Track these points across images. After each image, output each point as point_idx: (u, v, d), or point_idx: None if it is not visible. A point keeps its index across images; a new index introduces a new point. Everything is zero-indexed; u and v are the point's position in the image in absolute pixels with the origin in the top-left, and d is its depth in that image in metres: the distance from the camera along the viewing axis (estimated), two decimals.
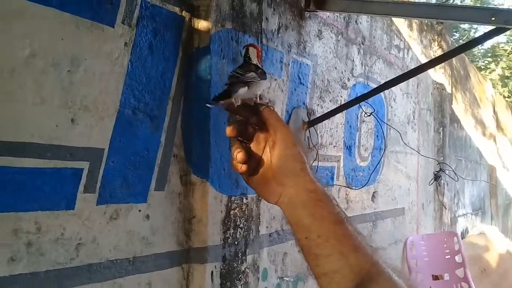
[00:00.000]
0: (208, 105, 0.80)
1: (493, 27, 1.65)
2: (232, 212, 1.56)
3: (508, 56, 20.14)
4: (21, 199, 1.05)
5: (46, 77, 1.09)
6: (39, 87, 1.07)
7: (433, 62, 2.18)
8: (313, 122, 2.13)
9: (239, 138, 0.76)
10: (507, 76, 20.33)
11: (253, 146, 0.77)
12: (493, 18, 1.61)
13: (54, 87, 1.11)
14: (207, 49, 1.48)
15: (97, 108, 1.20)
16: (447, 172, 3.38)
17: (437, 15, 1.81)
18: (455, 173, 3.31)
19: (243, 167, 0.74)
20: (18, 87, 1.03)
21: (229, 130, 0.74)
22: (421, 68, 2.11)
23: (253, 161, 0.76)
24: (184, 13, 1.48)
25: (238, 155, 0.73)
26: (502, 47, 20.65)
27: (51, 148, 1.10)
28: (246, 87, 0.77)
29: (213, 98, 0.76)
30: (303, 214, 0.71)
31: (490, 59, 20.60)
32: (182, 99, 1.48)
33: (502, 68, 20.36)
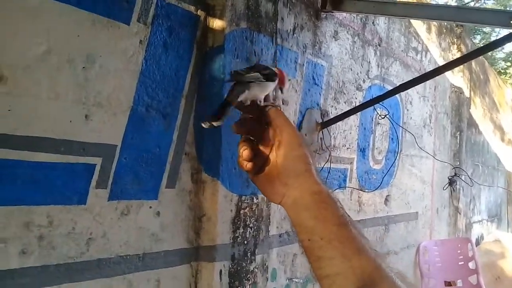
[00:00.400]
0: (203, 124, 0.76)
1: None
2: (242, 212, 1.57)
3: None
4: (34, 193, 1.07)
5: (61, 73, 1.11)
6: (54, 83, 1.09)
7: (451, 65, 2.16)
8: (327, 123, 2.12)
9: (247, 135, 0.76)
10: None
11: (261, 144, 0.76)
12: None
13: (69, 83, 1.13)
14: (221, 48, 1.48)
15: (111, 105, 1.22)
16: (462, 177, 3.33)
17: (455, 17, 1.78)
18: (470, 178, 3.26)
19: (248, 165, 0.74)
20: (33, 82, 1.05)
21: (234, 127, 0.74)
22: (438, 71, 2.08)
23: (259, 160, 0.75)
24: (199, 12, 1.49)
25: (244, 152, 0.73)
26: None
27: (64, 143, 1.12)
28: (246, 91, 0.76)
29: (211, 115, 0.75)
30: (306, 216, 0.70)
31: (509, 63, 20.27)
32: (195, 98, 1.49)
33: None
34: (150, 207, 1.36)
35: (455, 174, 3.18)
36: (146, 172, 1.34)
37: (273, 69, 0.82)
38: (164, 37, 1.37)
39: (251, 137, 0.76)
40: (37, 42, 1.05)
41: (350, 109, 2.16)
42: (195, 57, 1.47)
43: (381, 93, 2.51)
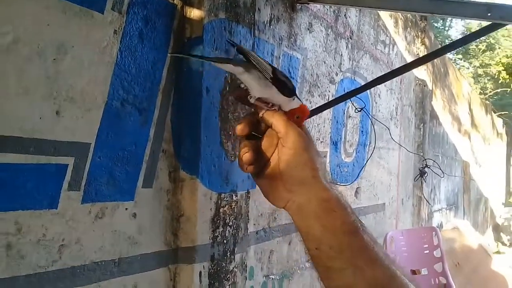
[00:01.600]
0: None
1: (489, 22, 1.63)
2: (221, 210, 1.51)
3: (482, 54, 20.58)
4: (0, 198, 0.97)
5: (30, 65, 1.00)
6: (22, 76, 0.99)
7: (427, 58, 2.17)
8: None
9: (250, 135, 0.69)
10: (479, 74, 20.80)
11: (264, 141, 0.70)
12: (489, 14, 1.58)
13: (39, 77, 1.02)
14: (199, 39, 1.40)
15: (84, 100, 1.12)
16: (433, 168, 3.40)
17: (432, 9, 1.77)
18: (441, 170, 3.33)
19: (249, 168, 0.69)
20: None
21: (240, 128, 0.68)
22: (414, 64, 2.08)
23: (262, 160, 0.70)
24: (176, 1, 1.40)
25: (245, 156, 0.67)
26: (477, 45, 21.10)
27: (33, 143, 1.01)
28: (245, 74, 0.66)
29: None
30: (314, 224, 0.65)
31: (460, 56, 21.02)
32: (173, 92, 1.41)
33: (475, 66, 20.80)
34: (126, 208, 1.27)
35: (426, 165, 3.23)
36: (121, 171, 1.25)
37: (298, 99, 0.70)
38: (140, 27, 1.28)
39: (255, 134, 0.69)
40: (3, 32, 0.94)
41: (328, 102, 2.13)
42: (172, 49, 1.39)
43: (352, 87, 2.50)
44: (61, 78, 1.07)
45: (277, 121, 0.66)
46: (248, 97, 0.66)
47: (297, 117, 0.68)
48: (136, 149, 1.29)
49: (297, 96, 0.70)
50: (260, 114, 0.66)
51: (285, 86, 0.68)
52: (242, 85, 0.68)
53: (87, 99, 1.13)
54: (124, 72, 1.23)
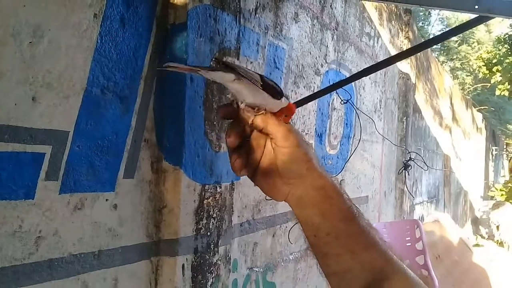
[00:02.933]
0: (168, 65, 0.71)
1: (476, 15, 1.61)
2: (205, 202, 1.47)
3: (458, 47, 20.85)
4: None
5: (4, 48, 0.95)
6: None
7: (412, 51, 2.15)
8: None
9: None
10: (458, 68, 21.08)
11: (253, 144, 0.71)
12: (476, 6, 1.57)
13: (14, 61, 0.97)
14: (183, 26, 1.36)
15: (62, 86, 1.07)
16: (417, 161, 3.41)
17: (419, 0, 1.75)
18: (424, 163, 3.35)
19: (242, 172, 0.70)
20: None
21: (231, 141, 0.68)
22: (395, 59, 2.06)
23: (254, 161, 0.71)
24: None
25: (236, 163, 0.70)
26: (456, 40, 21.35)
27: (8, 130, 0.97)
28: (236, 82, 0.66)
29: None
30: (312, 212, 0.67)
31: (439, 51, 21.27)
32: (155, 79, 1.36)
33: (453, 59, 21.07)
34: (107, 199, 1.23)
35: (410, 158, 3.24)
36: (101, 161, 1.21)
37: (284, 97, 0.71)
38: (121, 11, 1.23)
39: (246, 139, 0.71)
40: None
41: (315, 93, 2.10)
42: (155, 35, 1.35)
43: (337, 78, 2.48)
44: (38, 62, 1.02)
45: (268, 125, 0.67)
46: (239, 102, 0.67)
47: (285, 115, 0.70)
48: (117, 139, 1.25)
49: (285, 96, 0.71)
50: (250, 121, 0.67)
51: (275, 90, 0.69)
52: (229, 95, 0.69)
53: (65, 85, 1.08)
54: (104, 58, 1.18)
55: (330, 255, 0.66)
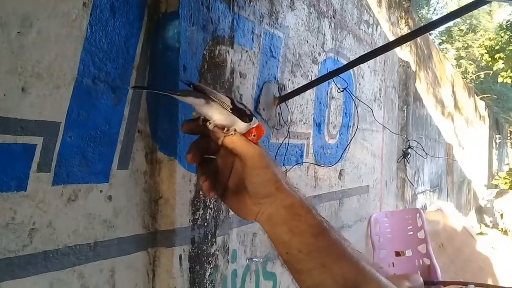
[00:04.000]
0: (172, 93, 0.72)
1: None
2: (201, 192, 1.46)
3: (463, 36, 20.71)
4: None
5: None
6: None
7: (406, 38, 2.13)
8: (285, 97, 2.04)
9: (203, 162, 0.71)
10: (462, 56, 20.94)
11: (220, 162, 0.72)
12: None
13: (2, 51, 0.96)
14: (175, 14, 1.35)
15: (52, 76, 1.06)
16: (416, 150, 3.40)
17: None
18: (424, 151, 3.32)
19: (211, 194, 0.71)
20: None
21: (189, 158, 0.69)
22: (393, 44, 2.04)
23: (222, 180, 0.72)
24: None
25: (204, 185, 0.70)
26: (459, 27, 21.22)
27: None
28: (206, 105, 0.67)
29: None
30: (282, 230, 0.68)
31: (443, 38, 21.12)
32: (148, 69, 1.35)
33: (457, 48, 20.94)
34: (101, 191, 1.22)
35: (409, 147, 3.22)
36: (94, 152, 1.20)
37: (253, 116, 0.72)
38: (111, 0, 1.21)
39: (209, 156, 0.71)
40: None
41: (309, 82, 2.09)
42: (146, 24, 1.33)
43: (335, 67, 2.46)
44: (26, 52, 1.01)
45: (237, 146, 0.67)
46: (208, 123, 0.67)
47: (254, 135, 0.71)
48: (110, 129, 1.24)
49: (255, 116, 0.72)
50: (219, 142, 0.67)
51: (244, 113, 0.70)
52: (195, 115, 0.69)
53: (55, 75, 1.07)
54: (94, 48, 1.17)
55: (303, 271, 0.68)
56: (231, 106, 0.68)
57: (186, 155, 0.69)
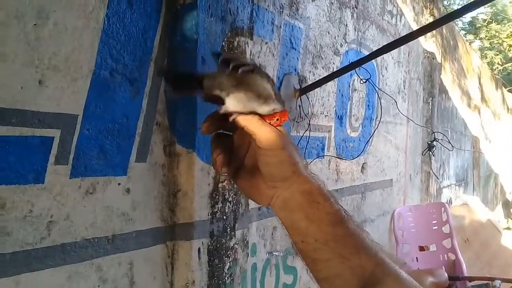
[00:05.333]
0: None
1: None
2: (220, 185, 1.45)
3: (487, 26, 20.15)
4: None
5: (8, 30, 0.94)
6: (1, 42, 0.92)
7: (428, 28, 2.06)
8: (305, 89, 2.01)
9: (220, 131, 0.68)
10: (486, 46, 20.41)
11: (236, 139, 0.68)
12: None
13: (18, 43, 0.96)
14: (193, 5, 1.32)
15: (69, 69, 1.06)
16: (440, 141, 3.31)
17: None
18: (449, 143, 3.24)
19: (223, 170, 0.67)
20: None
21: (204, 127, 0.66)
22: (416, 34, 1.98)
23: (237, 158, 0.68)
24: None
25: (218, 158, 0.66)
26: (482, 17, 20.66)
27: (15, 113, 0.96)
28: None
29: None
30: (298, 217, 0.65)
31: (467, 30, 20.60)
32: (166, 61, 1.34)
33: (481, 38, 20.40)
34: (119, 184, 1.22)
35: (434, 139, 3.14)
36: (112, 145, 1.19)
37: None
38: None
39: (226, 132, 0.68)
40: None
41: (330, 74, 2.05)
42: (164, 15, 1.32)
43: (358, 59, 2.40)
44: (43, 44, 1.00)
45: (250, 124, 0.63)
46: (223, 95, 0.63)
47: (277, 119, 0.65)
48: (128, 122, 1.23)
49: (281, 101, 0.67)
50: (231, 118, 0.63)
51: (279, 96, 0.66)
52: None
53: (72, 67, 1.06)
54: (112, 40, 1.16)
55: (319, 261, 0.65)
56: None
57: (201, 124, 0.66)
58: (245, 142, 0.68)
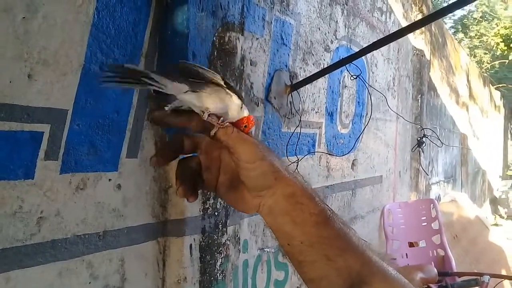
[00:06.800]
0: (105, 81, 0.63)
1: None
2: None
3: (477, 24, 20.34)
4: None
5: None
6: None
7: (416, 25, 2.07)
8: (296, 86, 2.00)
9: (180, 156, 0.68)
10: (476, 45, 20.59)
11: (204, 160, 0.68)
12: None
13: (7, 36, 0.94)
14: (183, 0, 1.32)
15: (58, 63, 1.04)
16: (431, 138, 3.33)
17: None
18: (439, 139, 3.26)
19: (190, 199, 0.67)
20: None
21: (154, 162, 0.67)
22: (406, 30, 1.99)
23: (211, 177, 0.68)
24: None
25: (180, 191, 0.67)
26: (472, 15, 20.85)
27: (4, 108, 0.94)
28: (193, 93, 0.61)
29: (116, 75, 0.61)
30: (283, 221, 0.65)
31: (457, 28, 20.77)
32: (156, 56, 1.33)
33: (471, 37, 20.58)
34: (110, 179, 1.21)
35: (424, 135, 3.16)
36: (103, 140, 1.18)
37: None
38: None
39: (187, 156, 0.68)
40: None
41: (321, 70, 2.05)
42: (154, 9, 1.30)
43: (348, 55, 2.41)
44: (32, 38, 0.99)
45: (230, 139, 0.63)
46: (201, 112, 0.62)
47: (245, 126, 0.66)
48: (119, 117, 1.22)
49: (243, 102, 0.67)
50: (212, 133, 0.63)
51: (239, 93, 0.66)
52: (173, 106, 0.61)
53: (61, 62, 1.05)
54: (102, 34, 1.15)
55: (305, 262, 0.65)
56: (226, 86, 0.64)
57: (151, 158, 0.66)
58: (214, 159, 0.68)
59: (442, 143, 3.63)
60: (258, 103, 1.80)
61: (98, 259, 1.17)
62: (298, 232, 0.64)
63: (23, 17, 0.97)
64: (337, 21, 2.49)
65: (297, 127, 2.02)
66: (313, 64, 2.25)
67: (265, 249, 1.91)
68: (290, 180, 0.65)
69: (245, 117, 0.66)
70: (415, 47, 4.27)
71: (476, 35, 20.07)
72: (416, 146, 3.49)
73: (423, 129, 3.29)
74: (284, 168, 0.66)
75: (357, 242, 0.65)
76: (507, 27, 14.62)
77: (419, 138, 3.38)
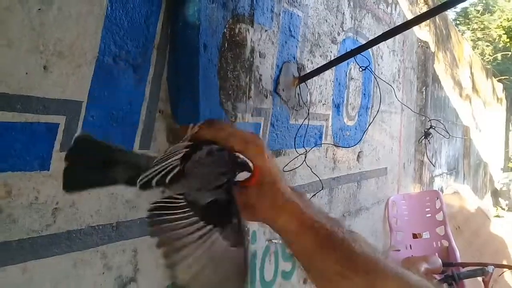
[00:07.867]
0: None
1: None
2: None
3: (480, 17, 20.25)
4: None
5: (12, 16, 0.92)
6: (5, 27, 0.91)
7: (423, 17, 2.06)
8: (304, 78, 2.00)
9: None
10: (478, 37, 20.53)
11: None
12: None
13: (23, 29, 0.95)
14: None
15: (74, 54, 1.04)
16: (438, 129, 3.33)
17: None
18: (446, 130, 3.26)
19: None
20: None
21: None
22: (412, 22, 1.98)
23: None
24: None
25: None
26: (475, 7, 20.76)
27: (20, 99, 0.95)
28: None
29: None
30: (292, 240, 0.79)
31: (460, 20, 20.69)
32: (168, 48, 1.33)
33: (473, 29, 20.51)
34: None
35: (431, 127, 3.16)
36: (117, 132, 1.19)
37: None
38: None
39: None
40: None
41: (329, 62, 2.05)
42: (166, 1, 1.30)
43: (355, 47, 2.40)
44: (48, 30, 0.99)
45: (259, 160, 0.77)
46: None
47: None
48: (132, 109, 1.22)
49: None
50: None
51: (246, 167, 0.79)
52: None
53: (76, 54, 1.05)
54: (115, 26, 1.15)
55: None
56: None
57: None
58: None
59: (449, 134, 3.62)
60: (267, 95, 1.80)
61: (111, 249, 1.18)
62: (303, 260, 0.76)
63: (39, 9, 0.97)
64: (343, 13, 2.48)
65: (305, 119, 2.02)
66: (320, 56, 2.25)
67: (273, 240, 1.92)
68: (299, 206, 0.75)
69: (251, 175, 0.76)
70: (420, 39, 4.26)
71: (478, 27, 19.98)
72: (423, 137, 3.48)
73: (430, 120, 3.28)
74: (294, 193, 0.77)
75: (373, 257, 0.70)
76: (509, 19, 14.55)
77: (426, 130, 3.37)
